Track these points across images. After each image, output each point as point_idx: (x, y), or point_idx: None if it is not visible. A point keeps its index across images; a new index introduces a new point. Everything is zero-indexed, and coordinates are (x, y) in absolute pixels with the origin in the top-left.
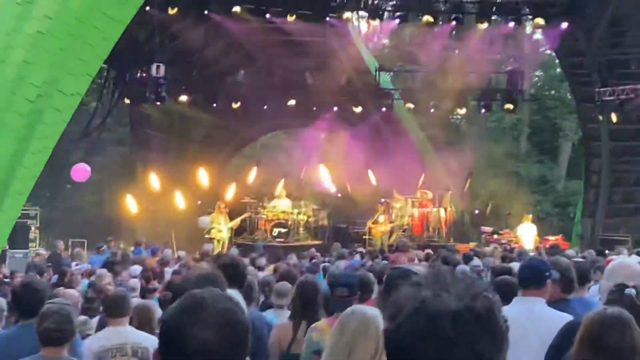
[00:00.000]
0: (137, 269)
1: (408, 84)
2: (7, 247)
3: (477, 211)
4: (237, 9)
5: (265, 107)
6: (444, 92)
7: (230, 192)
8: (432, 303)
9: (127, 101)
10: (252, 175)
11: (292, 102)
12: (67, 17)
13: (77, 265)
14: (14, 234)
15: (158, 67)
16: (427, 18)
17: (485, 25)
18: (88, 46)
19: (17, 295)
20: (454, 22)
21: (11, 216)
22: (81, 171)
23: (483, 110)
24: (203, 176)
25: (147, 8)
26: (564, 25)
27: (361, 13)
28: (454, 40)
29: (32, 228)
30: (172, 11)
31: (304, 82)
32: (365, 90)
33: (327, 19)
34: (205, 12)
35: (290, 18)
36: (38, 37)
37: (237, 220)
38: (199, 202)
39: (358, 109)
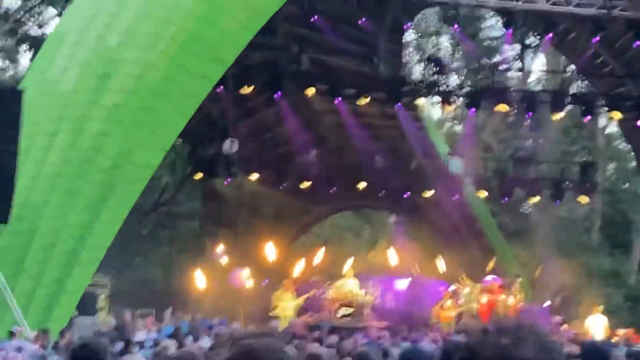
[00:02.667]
0: (206, 341)
1: (479, 170)
2: (76, 314)
3: (547, 301)
4: (310, 90)
5: (335, 187)
6: (516, 181)
7: (297, 270)
8: (512, 351)
9: (198, 176)
10: (319, 256)
11: (362, 184)
12: (143, 90)
13: (142, 335)
14: (82, 302)
15: (231, 143)
16: (501, 107)
17: (559, 115)
18: (163, 120)
19: (76, 356)
20: (527, 112)
21: (81, 284)
22: (239, 278)
23: (556, 201)
24: (270, 251)
25: (221, 87)
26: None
27: (434, 98)
28: (527, 129)
29: (101, 297)
30: (246, 90)
31: (374, 164)
32: (436, 175)
33: (400, 103)
34: (278, 93)
35: (364, 100)
36: (114, 110)
37: (303, 299)
38: (266, 281)
39: (428, 194)
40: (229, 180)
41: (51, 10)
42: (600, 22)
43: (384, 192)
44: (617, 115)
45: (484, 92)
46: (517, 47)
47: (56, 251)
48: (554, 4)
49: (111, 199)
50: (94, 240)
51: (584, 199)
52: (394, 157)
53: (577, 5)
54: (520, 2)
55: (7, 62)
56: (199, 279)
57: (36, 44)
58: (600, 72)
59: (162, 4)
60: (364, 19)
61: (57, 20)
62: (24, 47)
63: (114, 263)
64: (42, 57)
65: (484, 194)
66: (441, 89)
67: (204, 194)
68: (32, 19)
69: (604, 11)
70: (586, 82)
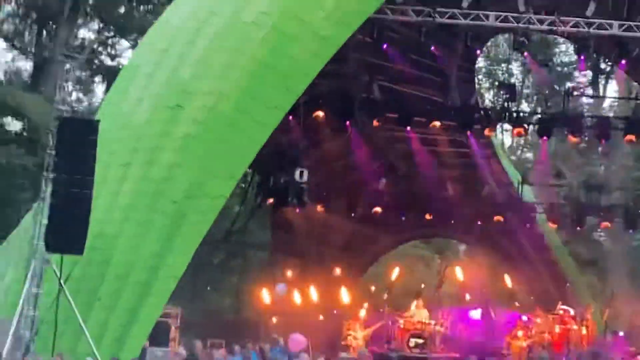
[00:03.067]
0: None
1: (552, 198)
2: (148, 344)
3: (620, 331)
4: (381, 119)
5: (405, 216)
6: (588, 208)
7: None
8: None
9: (269, 205)
10: (395, 273)
11: (432, 213)
12: (216, 121)
13: None
14: (154, 332)
15: (302, 172)
16: (573, 135)
17: (632, 141)
18: (235, 149)
19: None
20: (600, 138)
21: (153, 315)
22: (298, 342)
23: (629, 229)
24: (344, 295)
25: (291, 117)
26: None
27: (505, 126)
28: (599, 155)
29: (173, 327)
30: (316, 118)
31: (445, 192)
32: (508, 203)
33: (470, 130)
34: (348, 121)
35: (435, 124)
36: (187, 141)
37: (372, 328)
38: (335, 312)
39: (500, 221)
40: (298, 209)
41: (124, 42)
42: None
43: (454, 220)
44: None
45: (556, 119)
46: (590, 73)
47: (129, 282)
48: (627, 29)
49: (183, 229)
50: (166, 270)
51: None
52: (464, 185)
53: None
54: (592, 28)
55: (82, 93)
56: (281, 290)
57: (110, 75)
58: None
59: (233, 35)
60: (434, 47)
61: (130, 52)
62: (98, 78)
63: (185, 293)
64: (116, 89)
65: (554, 225)
66: (512, 115)
67: (274, 223)
68: (106, 51)
69: None
70: None
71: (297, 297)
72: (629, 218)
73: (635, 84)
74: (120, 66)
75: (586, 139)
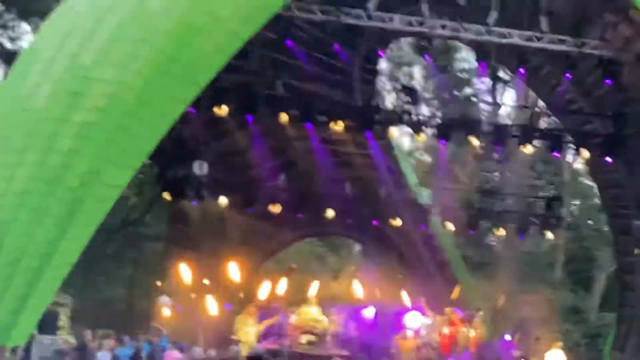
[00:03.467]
0: None
1: (447, 202)
2: (36, 332)
3: (507, 335)
4: (283, 116)
5: (302, 214)
6: (482, 212)
7: (261, 294)
8: None
9: (167, 197)
10: (282, 285)
11: (329, 211)
12: (116, 109)
13: (103, 356)
14: (43, 320)
15: (201, 165)
16: (471, 139)
17: (527, 149)
18: (134, 139)
19: None
20: (496, 145)
21: (43, 302)
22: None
23: (521, 235)
24: (234, 273)
25: (193, 110)
26: (608, 159)
27: (405, 128)
28: (495, 162)
29: (63, 316)
30: (218, 112)
31: (344, 192)
32: (404, 205)
33: (370, 131)
34: (251, 116)
35: (336, 126)
36: (86, 128)
37: (265, 324)
38: (228, 306)
39: (396, 223)
40: (195, 202)
41: (25, 26)
42: (572, 60)
43: (351, 220)
44: (583, 152)
45: (454, 123)
46: (489, 80)
47: (21, 268)
48: (527, 39)
49: (78, 217)
50: (59, 257)
51: (548, 234)
52: (363, 186)
53: (550, 42)
54: (493, 36)
55: None
56: (162, 300)
57: (10, 58)
58: (569, 109)
59: (138, 24)
60: (338, 47)
61: (31, 36)
62: None
63: (77, 282)
64: (15, 73)
65: (451, 226)
66: (412, 119)
67: (171, 215)
68: (6, 33)
69: (575, 49)
70: (555, 118)
71: (189, 290)
72: (520, 224)
73: (532, 93)
74: (21, 50)
75: (483, 145)
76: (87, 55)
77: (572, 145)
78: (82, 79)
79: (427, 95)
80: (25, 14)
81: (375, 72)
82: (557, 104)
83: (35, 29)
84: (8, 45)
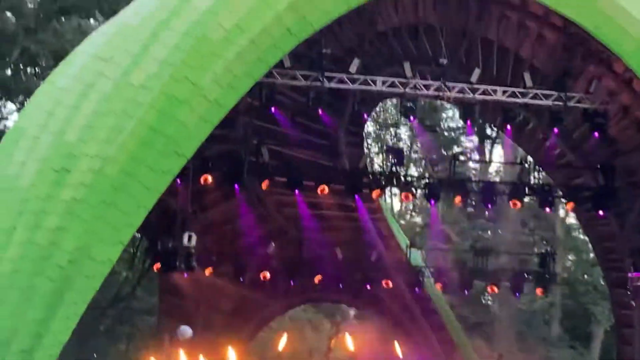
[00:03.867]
0: None
1: (439, 262)
2: None
3: None
4: (268, 182)
5: (294, 280)
6: (475, 272)
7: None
8: None
9: (157, 269)
10: (282, 342)
11: (320, 277)
12: (103, 185)
13: None
14: None
15: (190, 236)
16: (459, 198)
17: (518, 206)
18: (122, 214)
19: None
20: (486, 203)
21: None
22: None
23: (515, 293)
24: (232, 355)
25: (179, 181)
26: (600, 212)
27: (394, 189)
28: (487, 220)
29: None
30: (205, 182)
31: (335, 256)
32: (396, 267)
33: (358, 194)
34: (237, 185)
35: (324, 190)
36: (73, 204)
37: None
38: None
39: (388, 285)
40: (186, 273)
41: (11, 105)
42: (557, 114)
43: (343, 284)
44: (574, 206)
45: (443, 183)
46: (476, 138)
47: (12, 350)
48: (510, 95)
49: (68, 295)
50: (50, 337)
51: (542, 291)
52: (353, 249)
53: (534, 97)
54: (477, 94)
55: None
56: None
57: None
58: (558, 163)
59: (121, 98)
60: (322, 111)
61: (16, 114)
62: None
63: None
64: (1, 152)
65: (439, 287)
66: (401, 180)
67: (162, 288)
68: None
69: (560, 103)
70: (544, 173)
71: None
72: (515, 282)
73: (520, 149)
74: (6, 129)
75: (474, 202)
76: (72, 131)
77: (563, 200)
78: (67, 155)
79: (415, 155)
80: (10, 93)
81: (361, 135)
82: (545, 158)
83: (20, 108)
84: None
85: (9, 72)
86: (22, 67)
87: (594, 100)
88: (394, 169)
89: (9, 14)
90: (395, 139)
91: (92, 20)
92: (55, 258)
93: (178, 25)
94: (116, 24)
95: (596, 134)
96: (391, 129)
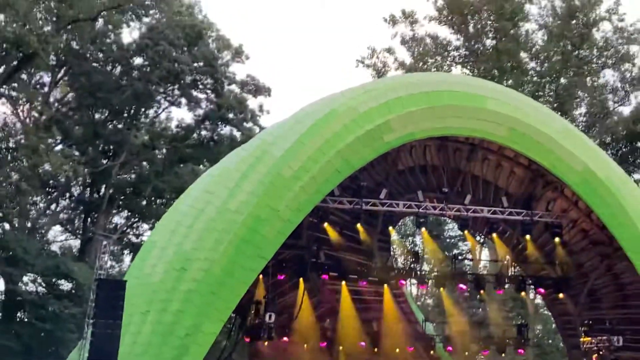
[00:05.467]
0: None
1: (446, 331)
2: None
3: None
4: (326, 277)
5: (342, 346)
6: (472, 339)
7: None
8: None
9: (247, 340)
10: None
11: (362, 343)
12: (209, 280)
13: None
14: None
15: (270, 315)
16: (460, 286)
17: (500, 292)
18: (223, 301)
19: None
20: (478, 289)
21: None
22: None
23: (501, 354)
24: None
25: (262, 276)
26: (560, 295)
27: (412, 280)
28: (479, 300)
29: None
30: (279, 276)
31: (372, 328)
32: (415, 336)
33: (387, 284)
34: (303, 279)
35: (363, 282)
36: (189, 294)
37: None
38: None
39: (410, 350)
40: (268, 343)
41: (145, 225)
42: (526, 226)
43: (377, 349)
44: (541, 290)
45: (447, 275)
46: (470, 243)
47: None
48: (493, 213)
49: (185, 359)
50: None
51: (520, 352)
52: (385, 323)
53: (509, 214)
54: (469, 213)
55: (115, 262)
56: None
57: (135, 248)
58: (528, 260)
59: (222, 220)
60: (361, 226)
61: (149, 232)
62: (127, 251)
63: None
64: (139, 258)
65: (447, 350)
66: (417, 273)
67: (250, 353)
68: (132, 231)
69: (528, 218)
70: (518, 267)
71: None
72: (499, 345)
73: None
74: (142, 242)
75: (469, 289)
76: (188, 243)
77: (532, 286)
78: (185, 259)
79: (427, 256)
80: (145, 217)
81: (388, 242)
82: (519, 257)
83: (152, 227)
84: (134, 239)
85: (144, 202)
86: (153, 199)
87: (552, 215)
88: (412, 265)
89: (144, 163)
90: (412, 245)
91: (201, 166)
92: (177, 332)
93: (261, 167)
94: (218, 168)
95: (556, 239)
96: (409, 237)
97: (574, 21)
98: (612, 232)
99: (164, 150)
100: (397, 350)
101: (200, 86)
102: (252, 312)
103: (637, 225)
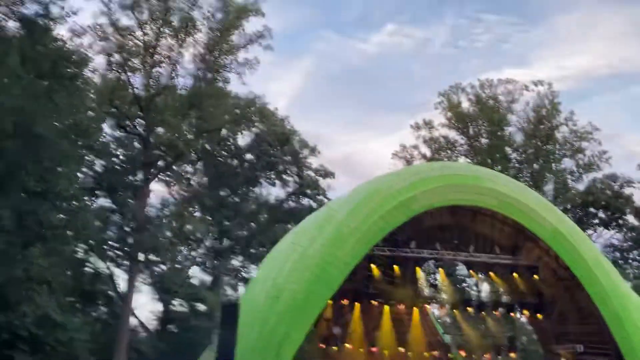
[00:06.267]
0: None
1: (459, 340)
2: None
3: None
4: (373, 302)
5: (386, 351)
6: (477, 345)
7: None
8: None
9: (321, 346)
10: None
11: (401, 349)
12: (295, 304)
13: None
14: None
15: (336, 328)
16: (468, 309)
17: (497, 312)
18: (306, 318)
19: None
20: (479, 311)
21: None
22: None
23: (498, 356)
24: None
25: (331, 302)
26: (539, 315)
27: (434, 304)
28: (481, 319)
29: None
30: (343, 302)
31: (407, 339)
32: (437, 344)
33: (417, 307)
34: (357, 303)
35: (400, 306)
36: (282, 314)
37: None
38: None
39: (434, 353)
40: (335, 348)
41: (253, 266)
42: (513, 267)
43: (412, 353)
44: (526, 312)
45: (459, 301)
46: (474, 278)
47: None
48: (490, 258)
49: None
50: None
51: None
52: (416, 342)
53: (501, 259)
54: (473, 258)
55: (232, 290)
56: None
57: (246, 282)
58: (516, 291)
59: (303, 261)
60: (398, 267)
61: (255, 270)
62: (241, 284)
63: None
64: (248, 288)
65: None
66: (437, 300)
67: (324, 355)
68: (244, 270)
69: (514, 262)
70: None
71: None
72: (497, 350)
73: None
74: (250, 278)
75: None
76: (280, 277)
77: (519, 309)
78: (278, 289)
79: (443, 287)
80: (253, 260)
81: (416, 277)
82: (509, 288)
83: (257, 267)
84: (245, 275)
85: (252, 250)
86: (258, 248)
87: (530, 260)
88: (434, 294)
89: (252, 224)
90: (433, 279)
91: (289, 225)
92: (274, 339)
93: (328, 227)
94: (300, 226)
95: (535, 276)
96: (431, 274)
97: (542, 126)
98: (573, 271)
99: (265, 215)
100: (425, 354)
101: (289, 172)
102: (325, 326)
103: (590, 266)
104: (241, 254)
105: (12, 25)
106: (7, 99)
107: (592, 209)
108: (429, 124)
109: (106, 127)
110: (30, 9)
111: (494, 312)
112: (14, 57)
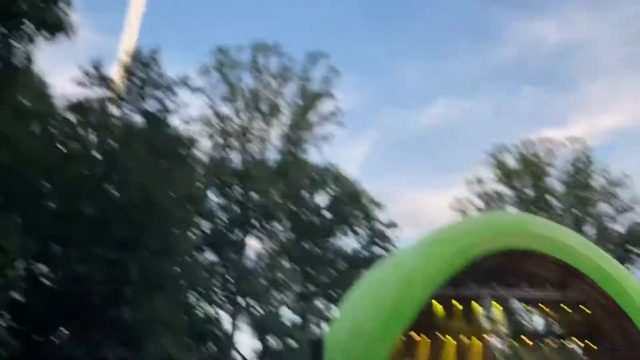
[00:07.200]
0: None
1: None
2: None
3: None
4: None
5: None
6: None
7: None
8: None
9: None
10: None
11: None
12: (372, 338)
13: None
14: None
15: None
16: (526, 339)
17: (553, 344)
18: (382, 350)
19: None
20: (536, 340)
21: None
22: None
23: None
24: None
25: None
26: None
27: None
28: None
29: None
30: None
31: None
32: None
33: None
34: (422, 334)
35: (461, 337)
36: (363, 346)
37: None
38: None
39: None
40: None
41: (335, 307)
42: (563, 300)
43: None
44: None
45: (518, 335)
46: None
47: None
48: (541, 294)
49: None
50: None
51: None
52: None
53: (552, 294)
54: (526, 294)
55: (317, 327)
56: None
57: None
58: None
59: (377, 304)
60: (457, 302)
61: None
62: (325, 323)
63: None
64: (332, 326)
65: None
66: (496, 331)
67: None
68: (328, 311)
69: (564, 297)
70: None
71: None
72: None
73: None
74: (335, 318)
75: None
76: (358, 317)
77: (572, 340)
78: (356, 326)
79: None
80: (335, 303)
81: (473, 312)
82: (561, 319)
83: (338, 307)
84: (328, 315)
85: (334, 294)
86: (339, 292)
87: (579, 294)
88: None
89: (333, 270)
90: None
91: (363, 270)
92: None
93: (397, 271)
94: (371, 272)
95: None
96: (487, 309)
97: (579, 176)
98: (619, 304)
99: (343, 263)
100: None
101: (360, 226)
102: (397, 358)
103: (634, 299)
104: (324, 297)
105: (137, 119)
106: (134, 177)
107: (631, 247)
108: (480, 180)
109: (211, 195)
110: (150, 104)
111: (550, 343)
112: (138, 144)
